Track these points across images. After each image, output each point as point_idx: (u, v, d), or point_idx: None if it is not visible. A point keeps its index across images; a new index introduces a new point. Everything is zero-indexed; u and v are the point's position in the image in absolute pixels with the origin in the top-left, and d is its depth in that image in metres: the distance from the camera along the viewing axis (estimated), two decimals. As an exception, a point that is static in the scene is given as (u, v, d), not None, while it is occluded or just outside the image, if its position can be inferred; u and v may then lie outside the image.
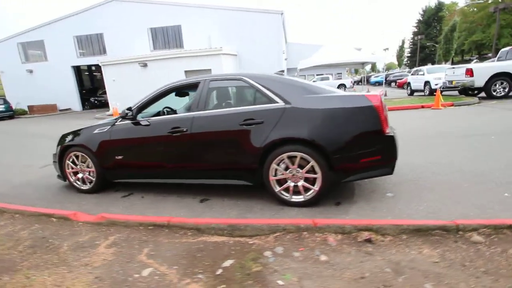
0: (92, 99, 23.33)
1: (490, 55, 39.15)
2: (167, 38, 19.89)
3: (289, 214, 2.56)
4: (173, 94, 3.30)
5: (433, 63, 42.41)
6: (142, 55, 16.36)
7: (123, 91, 16.34)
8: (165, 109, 3.66)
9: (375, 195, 2.87)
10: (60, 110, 21.94)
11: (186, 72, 15.54)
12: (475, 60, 31.06)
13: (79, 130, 3.55)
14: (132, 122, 3.16)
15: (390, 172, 2.57)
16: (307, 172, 2.59)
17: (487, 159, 3.66)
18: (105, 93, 23.22)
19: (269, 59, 17.96)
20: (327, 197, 2.78)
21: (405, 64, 57.62)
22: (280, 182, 2.71)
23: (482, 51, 43.18)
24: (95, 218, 2.56)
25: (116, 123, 3.27)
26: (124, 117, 3.08)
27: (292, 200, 2.69)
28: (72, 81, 22.04)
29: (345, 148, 2.48)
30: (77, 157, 3.47)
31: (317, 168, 2.54)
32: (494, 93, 9.87)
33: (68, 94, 22.12)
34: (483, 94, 10.40)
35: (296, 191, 2.68)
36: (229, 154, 2.80)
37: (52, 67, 21.70)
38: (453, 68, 11.27)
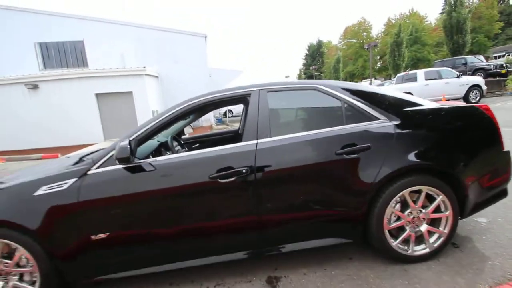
0: None
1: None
2: (64, 55, 16.25)
3: (426, 278, 1.76)
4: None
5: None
6: (30, 75, 12.58)
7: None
8: (172, 141, 2.31)
9: (469, 223, 2.40)
10: None
11: (97, 95, 12.82)
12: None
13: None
14: (125, 168, 1.75)
15: (506, 193, 2.14)
16: (434, 211, 1.89)
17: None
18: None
19: (195, 83, 16.89)
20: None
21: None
22: (391, 231, 1.90)
23: (354, 79, 54.97)
24: None
25: (89, 172, 1.75)
26: (124, 160, 1.65)
27: (415, 254, 1.90)
28: None
29: (473, 173, 1.91)
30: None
31: (447, 204, 1.87)
32: (403, 110, 11.89)
33: None
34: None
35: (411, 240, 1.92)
36: (320, 199, 1.81)
37: None
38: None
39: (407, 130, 1.86)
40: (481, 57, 17.07)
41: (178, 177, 1.76)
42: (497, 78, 14.84)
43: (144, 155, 1.95)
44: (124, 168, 1.74)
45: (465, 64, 15.97)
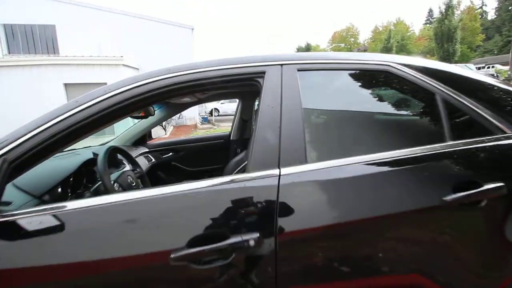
0: None
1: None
2: (32, 40, 14.57)
3: None
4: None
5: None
6: (-14, 59, 10.98)
7: None
8: (106, 157, 1.30)
9: None
10: None
11: (66, 85, 11.41)
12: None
13: None
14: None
15: None
16: None
17: None
18: None
19: (180, 78, 15.65)
20: None
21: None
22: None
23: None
24: None
25: None
26: None
27: None
28: None
29: None
30: None
31: None
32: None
33: None
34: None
35: None
36: (409, 281, 0.90)
37: None
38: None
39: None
40: (472, 65, 17.11)
41: (106, 249, 0.78)
42: (488, 88, 14.84)
43: (45, 188, 0.95)
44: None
45: (457, 72, 15.91)
